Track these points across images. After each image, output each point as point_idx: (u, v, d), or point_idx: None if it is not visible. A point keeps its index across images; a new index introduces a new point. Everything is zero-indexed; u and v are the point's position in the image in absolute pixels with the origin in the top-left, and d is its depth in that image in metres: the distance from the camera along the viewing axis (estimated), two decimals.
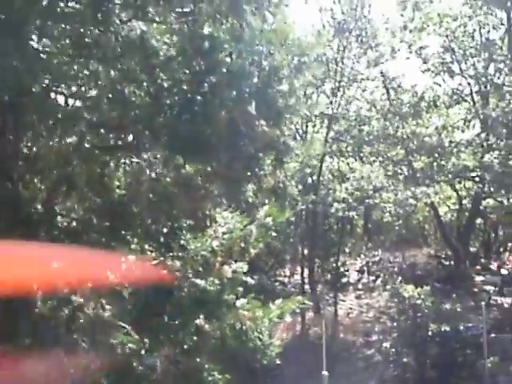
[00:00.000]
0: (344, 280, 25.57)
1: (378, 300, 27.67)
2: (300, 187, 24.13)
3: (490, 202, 27.33)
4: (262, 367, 21.00)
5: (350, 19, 23.50)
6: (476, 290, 28.66)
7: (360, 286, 29.78)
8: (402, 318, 19.44)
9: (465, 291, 27.85)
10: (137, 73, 7.38)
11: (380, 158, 26.89)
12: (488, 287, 28.28)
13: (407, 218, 31.10)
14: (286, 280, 25.95)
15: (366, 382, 19.29)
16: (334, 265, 24.97)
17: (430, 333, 18.47)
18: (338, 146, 25.13)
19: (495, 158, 23.52)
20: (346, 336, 23.63)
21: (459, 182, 26.73)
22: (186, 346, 8.22)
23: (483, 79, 26.84)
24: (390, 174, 25.21)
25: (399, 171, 26.54)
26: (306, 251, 24.33)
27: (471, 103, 27.55)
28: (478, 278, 29.24)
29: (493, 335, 22.30)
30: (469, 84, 27.55)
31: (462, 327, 19.32)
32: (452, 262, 30.21)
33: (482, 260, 30.99)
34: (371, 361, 19.96)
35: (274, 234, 13.71)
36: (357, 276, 30.91)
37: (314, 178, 24.13)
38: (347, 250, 27.48)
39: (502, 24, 24.28)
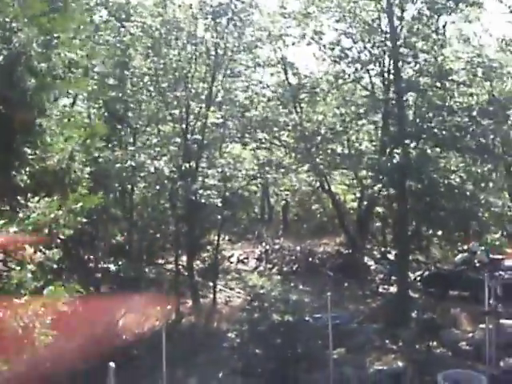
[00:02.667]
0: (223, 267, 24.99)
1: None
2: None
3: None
4: (120, 357, 20.82)
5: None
6: (370, 278, 28.50)
7: (255, 274, 29.42)
8: (249, 308, 19.07)
9: (356, 280, 27.64)
10: None
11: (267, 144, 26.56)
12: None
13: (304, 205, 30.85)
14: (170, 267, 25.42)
15: (208, 374, 18.94)
16: (210, 253, 24.53)
17: (274, 323, 18.01)
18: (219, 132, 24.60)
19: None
20: (216, 324, 23.23)
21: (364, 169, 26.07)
22: None
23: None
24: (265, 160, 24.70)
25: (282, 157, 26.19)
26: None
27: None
28: (374, 267, 29.02)
29: (355, 325, 22.19)
30: (367, 71, 26.94)
31: (309, 317, 18.87)
32: (350, 251, 29.96)
33: (382, 249, 30.65)
34: (226, 352, 19.52)
35: (84, 219, 13.32)
36: (255, 264, 30.62)
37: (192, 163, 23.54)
38: (227, 238, 26.98)
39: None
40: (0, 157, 10.55)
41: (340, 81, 26.34)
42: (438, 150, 21.94)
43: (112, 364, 15.25)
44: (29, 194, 10.67)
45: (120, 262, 21.52)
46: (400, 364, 19.55)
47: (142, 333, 22.16)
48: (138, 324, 22.84)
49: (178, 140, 24.62)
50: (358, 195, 29.26)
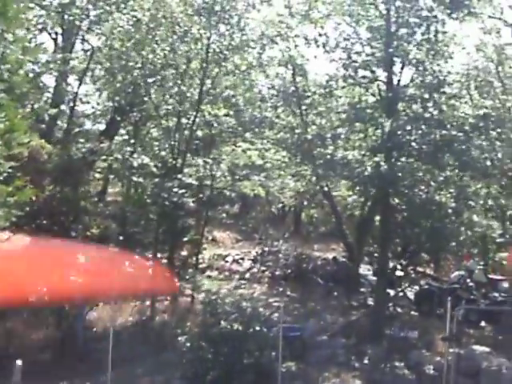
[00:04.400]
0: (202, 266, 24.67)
1: (254, 291, 27.00)
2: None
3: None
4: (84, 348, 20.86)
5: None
6: (363, 289, 27.82)
7: (247, 276, 29.17)
8: (204, 313, 18.80)
9: (346, 290, 27.04)
10: None
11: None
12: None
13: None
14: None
15: (156, 377, 18.77)
16: (187, 252, 24.28)
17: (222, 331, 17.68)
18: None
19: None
20: (190, 324, 22.93)
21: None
22: None
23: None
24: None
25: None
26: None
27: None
28: (368, 278, 28.27)
29: (325, 337, 21.69)
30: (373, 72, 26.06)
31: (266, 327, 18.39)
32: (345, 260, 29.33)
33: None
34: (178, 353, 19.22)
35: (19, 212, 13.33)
36: (249, 265, 30.27)
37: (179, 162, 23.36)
38: (210, 238, 26.69)
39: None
40: None
41: (345, 84, 25.56)
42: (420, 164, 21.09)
43: (19, 362, 15.28)
44: None
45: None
46: (357, 383, 19.01)
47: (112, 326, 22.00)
48: (110, 318, 22.77)
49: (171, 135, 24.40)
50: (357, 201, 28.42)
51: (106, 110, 30.46)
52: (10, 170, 12.78)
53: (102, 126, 30.87)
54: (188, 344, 18.10)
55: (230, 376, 17.24)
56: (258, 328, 17.95)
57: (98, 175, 28.74)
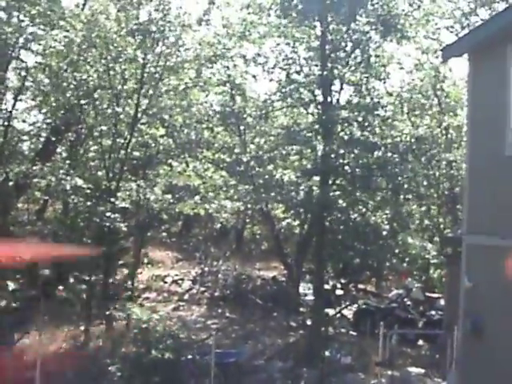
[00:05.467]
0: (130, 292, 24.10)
1: (193, 313, 26.73)
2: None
3: None
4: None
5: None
6: (303, 309, 27.74)
7: (186, 297, 28.83)
8: (135, 341, 18.42)
9: (285, 310, 26.93)
10: None
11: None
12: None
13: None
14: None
15: None
16: (123, 276, 23.88)
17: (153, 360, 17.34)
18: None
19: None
20: (124, 350, 22.49)
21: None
22: None
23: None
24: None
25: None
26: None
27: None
28: (307, 298, 28.23)
29: (262, 361, 21.50)
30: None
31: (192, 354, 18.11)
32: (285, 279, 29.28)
33: None
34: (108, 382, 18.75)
35: None
36: (188, 286, 29.95)
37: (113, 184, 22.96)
38: (146, 260, 26.31)
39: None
40: None
41: (284, 104, 25.53)
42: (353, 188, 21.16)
43: None
44: None
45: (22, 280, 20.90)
46: None
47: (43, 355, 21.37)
48: (41, 345, 22.17)
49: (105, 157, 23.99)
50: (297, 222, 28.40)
51: (42, 130, 29.89)
52: None
53: (38, 146, 30.31)
54: (119, 374, 17.68)
55: None
56: (190, 356, 17.66)
57: (37, 193, 28.16)
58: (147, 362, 17.31)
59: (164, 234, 30.09)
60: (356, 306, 26.87)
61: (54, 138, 27.00)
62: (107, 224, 20.57)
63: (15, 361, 20.87)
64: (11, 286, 21.38)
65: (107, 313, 21.44)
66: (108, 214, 20.86)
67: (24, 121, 30.63)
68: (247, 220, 33.74)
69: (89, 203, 21.44)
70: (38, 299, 21.83)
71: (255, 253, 36.31)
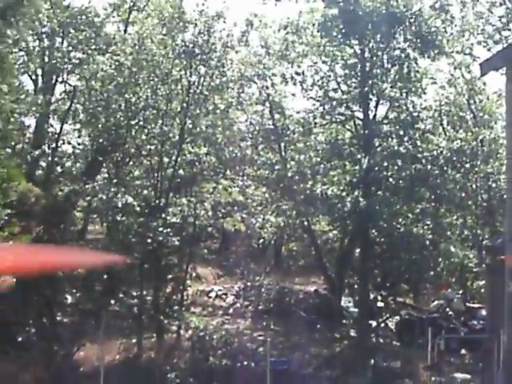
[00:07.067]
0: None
1: (238, 326, 27.37)
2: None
3: None
4: None
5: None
6: (345, 321, 28.26)
7: (231, 311, 29.51)
8: (193, 349, 19.19)
9: (329, 322, 27.48)
10: None
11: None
12: None
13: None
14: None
15: None
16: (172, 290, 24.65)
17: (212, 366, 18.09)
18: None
19: None
20: (176, 361, 23.23)
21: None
22: None
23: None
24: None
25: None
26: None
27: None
28: (350, 310, 28.74)
29: (310, 370, 22.11)
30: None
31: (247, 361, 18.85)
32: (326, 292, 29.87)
33: None
34: None
35: None
36: (232, 300, 30.64)
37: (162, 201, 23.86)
38: (194, 274, 27.11)
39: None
40: None
41: (323, 121, 26.29)
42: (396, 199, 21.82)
43: None
44: None
45: (78, 294, 21.77)
46: None
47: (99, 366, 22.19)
48: (97, 357, 23.02)
49: (154, 175, 24.92)
50: (337, 235, 29.07)
51: (87, 150, 30.93)
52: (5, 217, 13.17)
53: (82, 166, 31.34)
54: (178, 381, 18.42)
55: None
56: (245, 363, 18.35)
57: (78, 214, 29.18)
58: (204, 369, 18.06)
59: (205, 250, 30.81)
60: (398, 316, 27.33)
61: (100, 158, 27.94)
62: (160, 238, 21.38)
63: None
64: (69, 299, 22.22)
65: (165, 322, 22.17)
66: (160, 229, 21.69)
67: (69, 142, 31.78)
68: (285, 236, 34.37)
69: (141, 219, 22.26)
70: (93, 313, 22.68)
71: (294, 268, 36.81)
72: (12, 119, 13.92)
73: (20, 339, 20.38)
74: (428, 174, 21.85)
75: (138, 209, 24.04)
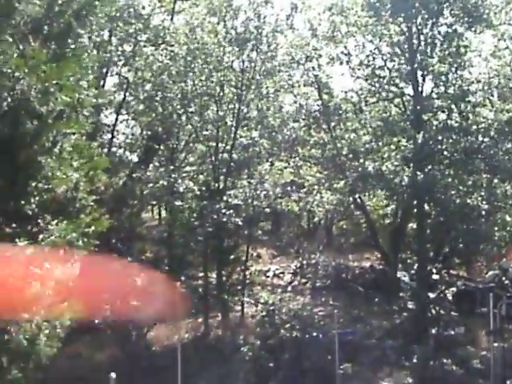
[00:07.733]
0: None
1: (298, 303, 28.19)
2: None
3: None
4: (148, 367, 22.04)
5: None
6: (402, 294, 28.85)
7: (289, 288, 30.37)
8: (262, 324, 20.03)
9: (386, 295, 28.12)
10: None
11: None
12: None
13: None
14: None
15: None
16: (238, 269, 25.55)
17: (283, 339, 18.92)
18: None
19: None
20: (243, 337, 24.09)
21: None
22: None
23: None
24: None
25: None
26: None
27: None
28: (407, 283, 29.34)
29: (374, 340, 22.80)
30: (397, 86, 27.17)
31: (320, 333, 19.62)
32: (382, 267, 30.51)
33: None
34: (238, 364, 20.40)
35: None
36: (289, 279, 31.48)
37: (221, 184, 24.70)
38: (254, 254, 27.98)
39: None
40: (8, 189, 11.90)
41: (372, 99, 26.78)
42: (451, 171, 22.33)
43: (113, 375, 16.46)
44: (48, 218, 11.87)
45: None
46: (410, 380, 20.11)
47: (170, 344, 23.14)
48: (167, 336, 24.05)
49: (211, 159, 25.73)
50: (391, 211, 29.63)
51: (141, 140, 31.82)
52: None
53: (135, 155, 32.21)
54: (250, 354, 19.28)
55: (291, 381, 18.46)
56: (314, 334, 19.14)
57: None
58: (275, 342, 18.89)
59: (259, 231, 31.63)
60: (455, 288, 27.85)
61: (156, 146, 28.81)
62: (224, 220, 22.23)
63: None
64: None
65: (229, 301, 23.02)
66: (223, 210, 22.55)
67: (123, 133, 32.71)
68: (335, 215, 35.02)
69: (204, 202, 23.12)
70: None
71: (345, 246, 37.48)
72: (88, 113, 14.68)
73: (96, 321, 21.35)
74: (480, 146, 22.27)
75: (198, 193, 24.92)
